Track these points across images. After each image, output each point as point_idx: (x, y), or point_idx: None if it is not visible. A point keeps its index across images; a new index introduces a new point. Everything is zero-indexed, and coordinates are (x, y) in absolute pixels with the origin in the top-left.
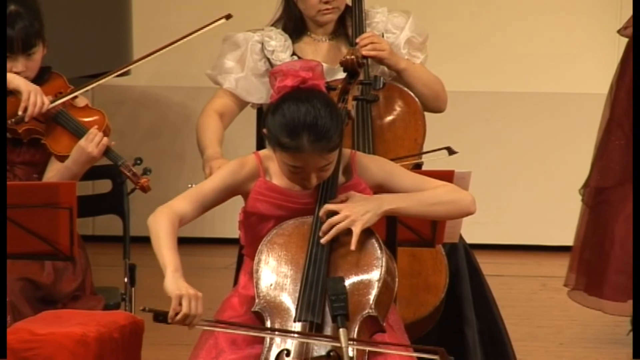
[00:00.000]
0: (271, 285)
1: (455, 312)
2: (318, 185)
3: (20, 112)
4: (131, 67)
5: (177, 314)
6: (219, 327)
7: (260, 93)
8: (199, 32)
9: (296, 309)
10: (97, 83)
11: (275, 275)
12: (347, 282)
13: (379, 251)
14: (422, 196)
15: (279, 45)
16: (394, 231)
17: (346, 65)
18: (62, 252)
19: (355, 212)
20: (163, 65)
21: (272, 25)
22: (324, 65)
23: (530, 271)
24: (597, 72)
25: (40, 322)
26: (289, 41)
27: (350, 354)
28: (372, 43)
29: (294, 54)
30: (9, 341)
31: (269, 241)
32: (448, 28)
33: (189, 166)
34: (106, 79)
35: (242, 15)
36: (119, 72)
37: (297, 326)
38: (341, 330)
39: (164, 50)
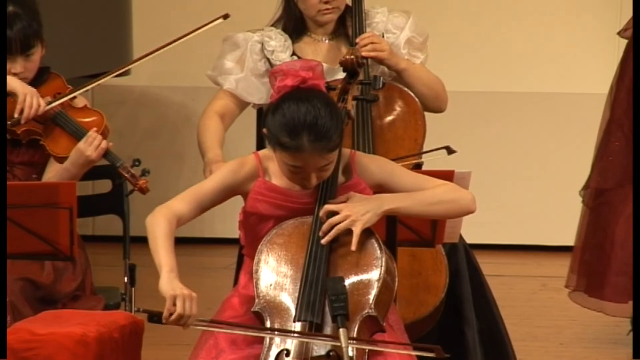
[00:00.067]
0: (271, 285)
1: (455, 312)
2: (318, 185)
3: (16, 115)
4: (131, 67)
5: (171, 314)
6: (214, 327)
7: (260, 93)
8: (197, 32)
9: (296, 309)
10: (96, 83)
11: (275, 275)
12: (347, 282)
13: (378, 251)
14: (422, 195)
15: (278, 45)
16: (394, 231)
17: (346, 65)
18: (62, 252)
19: (356, 212)
20: (162, 65)
21: (272, 25)
22: (324, 65)
23: (530, 271)
24: (597, 72)
25: (40, 322)
26: (289, 41)
27: (350, 353)
28: (372, 43)
29: (293, 54)
30: (9, 341)
31: (269, 241)
32: (448, 28)
33: (188, 166)
34: (106, 79)
35: (242, 15)
36: (118, 72)
37: (297, 326)
38: (341, 330)
39: (163, 50)
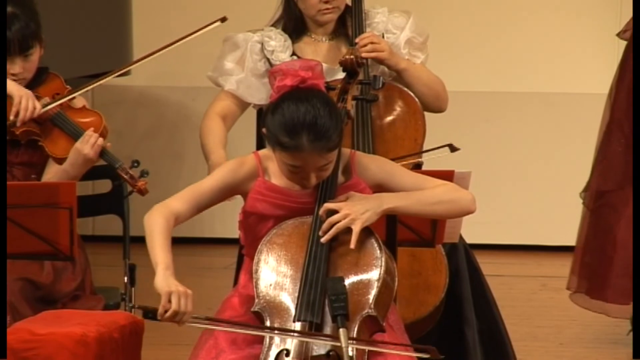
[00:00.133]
0: (271, 285)
1: (455, 312)
2: (317, 185)
3: (12, 117)
4: (131, 67)
5: (166, 311)
6: (210, 324)
7: (261, 94)
8: (194, 36)
9: (296, 309)
10: (96, 84)
11: (274, 275)
12: (347, 282)
13: (378, 251)
14: (421, 195)
15: (278, 45)
16: (394, 231)
17: (345, 65)
18: (62, 252)
19: (355, 211)
20: (161, 65)
21: (271, 25)
22: (324, 65)
23: (530, 271)
24: (597, 72)
25: (40, 322)
26: (289, 41)
27: (350, 353)
28: (371, 43)
29: (293, 54)
30: (9, 341)
31: (269, 241)
32: (448, 28)
33: (187, 165)
34: (105, 79)
35: (242, 15)
36: (118, 73)
37: (297, 326)
38: (341, 330)
39: (162, 51)
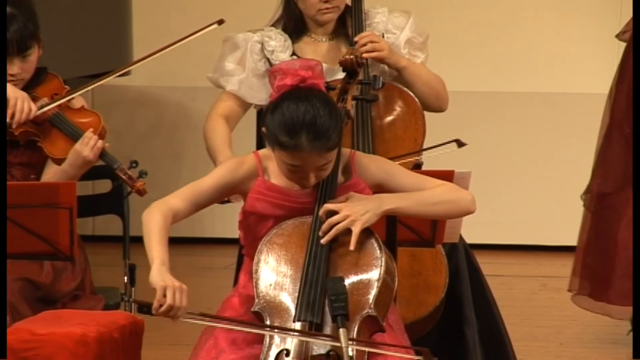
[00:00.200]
0: (271, 285)
1: (455, 312)
2: (317, 185)
3: (7, 119)
4: (130, 68)
5: (161, 305)
6: (205, 320)
7: (262, 94)
8: (191, 38)
9: (296, 309)
10: (96, 84)
11: (274, 275)
12: (347, 282)
13: (378, 251)
14: (421, 196)
15: (278, 45)
16: (394, 231)
17: (345, 65)
18: (62, 252)
19: (355, 212)
20: (160, 65)
21: (271, 25)
22: (324, 65)
23: (530, 271)
24: (597, 72)
25: (40, 322)
26: (289, 41)
27: (350, 353)
28: (371, 42)
29: (293, 53)
30: (9, 341)
31: (269, 241)
32: (448, 28)
33: (187, 166)
34: (105, 80)
35: (242, 15)
36: (118, 73)
37: (297, 326)
38: (341, 330)
39: (162, 52)
